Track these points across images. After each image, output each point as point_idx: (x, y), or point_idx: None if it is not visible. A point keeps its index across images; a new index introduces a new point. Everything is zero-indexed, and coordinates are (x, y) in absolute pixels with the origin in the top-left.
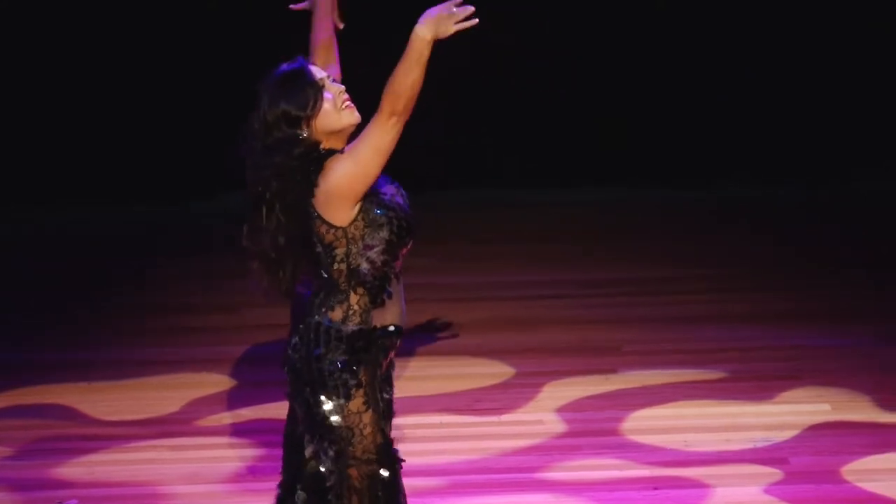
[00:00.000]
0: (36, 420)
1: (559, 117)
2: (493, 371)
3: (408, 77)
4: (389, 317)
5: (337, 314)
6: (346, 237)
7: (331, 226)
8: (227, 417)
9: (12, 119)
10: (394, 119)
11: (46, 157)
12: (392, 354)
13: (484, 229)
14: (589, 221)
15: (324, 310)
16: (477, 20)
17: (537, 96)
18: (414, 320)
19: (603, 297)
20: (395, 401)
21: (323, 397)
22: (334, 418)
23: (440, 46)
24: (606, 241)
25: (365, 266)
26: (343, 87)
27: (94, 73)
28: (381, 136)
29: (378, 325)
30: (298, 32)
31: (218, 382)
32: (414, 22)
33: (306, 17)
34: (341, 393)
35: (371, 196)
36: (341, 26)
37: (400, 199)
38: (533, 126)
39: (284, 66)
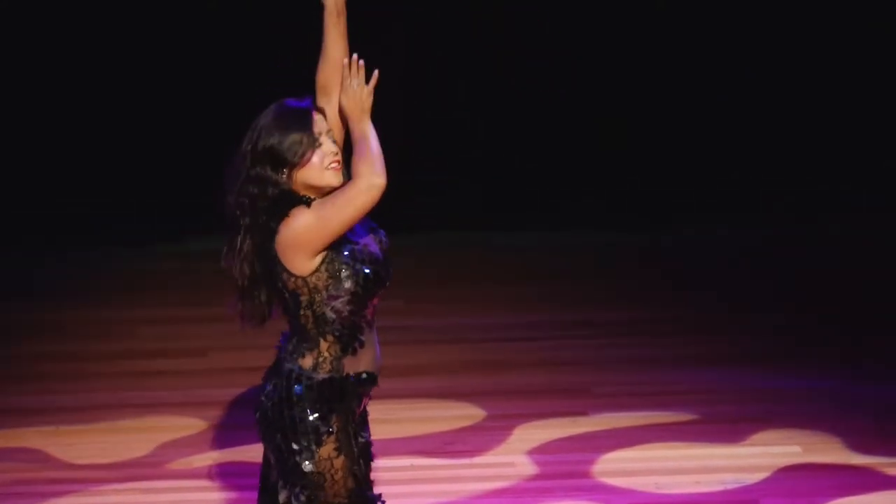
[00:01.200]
0: (5, 464)
1: (530, 158)
2: (464, 413)
3: (377, 158)
4: (362, 364)
5: (307, 361)
6: (307, 286)
7: (290, 273)
8: (198, 460)
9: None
10: (375, 190)
11: (12, 199)
12: (366, 400)
13: (451, 271)
14: (557, 263)
15: (295, 356)
16: (376, 71)
17: (507, 132)
18: (383, 363)
19: (572, 338)
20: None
21: (294, 444)
22: (306, 464)
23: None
24: (575, 283)
25: (331, 314)
26: (336, 149)
27: (77, 112)
28: (355, 200)
29: (351, 373)
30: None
31: (189, 426)
32: None
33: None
34: (312, 440)
35: (339, 246)
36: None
37: (374, 248)
38: (498, 165)
39: (292, 102)
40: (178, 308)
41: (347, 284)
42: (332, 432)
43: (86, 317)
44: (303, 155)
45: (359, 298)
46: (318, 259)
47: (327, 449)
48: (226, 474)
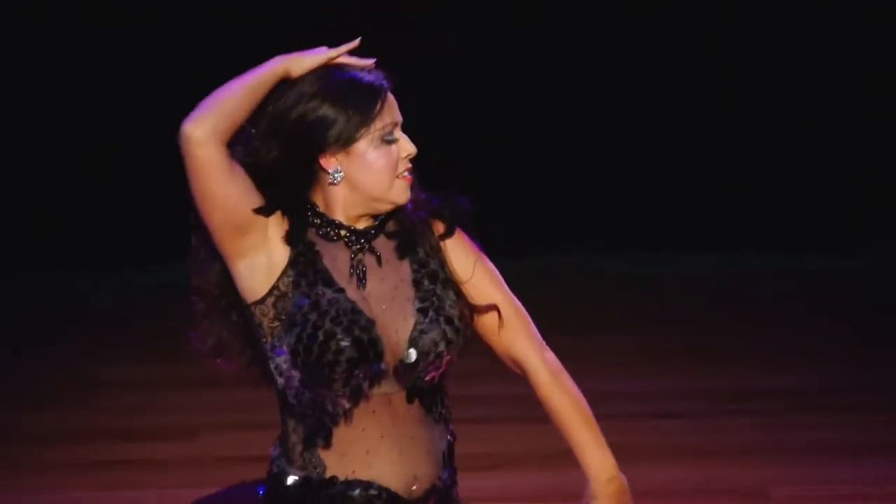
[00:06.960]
0: None
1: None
2: None
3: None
4: (364, 468)
5: (280, 446)
6: (257, 320)
7: (246, 301)
8: None
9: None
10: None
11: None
12: None
13: (555, 310)
14: (701, 300)
15: (277, 436)
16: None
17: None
18: (458, 450)
19: (737, 415)
20: None
21: None
22: None
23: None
24: (732, 332)
25: (280, 380)
26: (413, 151)
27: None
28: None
29: (339, 477)
30: None
31: None
32: None
33: None
34: None
35: (307, 283)
36: None
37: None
38: (615, 186)
39: (363, 76)
40: (159, 365)
41: (289, 338)
42: None
43: (38, 374)
44: (347, 139)
45: (307, 368)
46: (269, 283)
47: None
48: None
